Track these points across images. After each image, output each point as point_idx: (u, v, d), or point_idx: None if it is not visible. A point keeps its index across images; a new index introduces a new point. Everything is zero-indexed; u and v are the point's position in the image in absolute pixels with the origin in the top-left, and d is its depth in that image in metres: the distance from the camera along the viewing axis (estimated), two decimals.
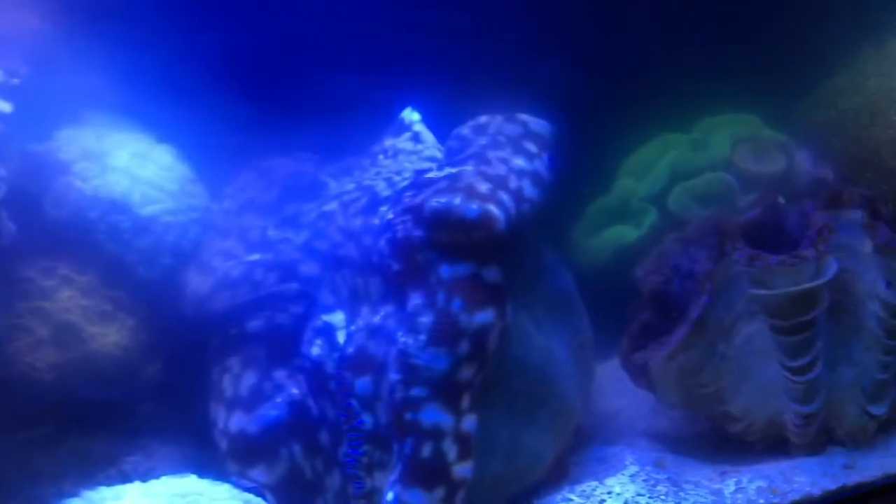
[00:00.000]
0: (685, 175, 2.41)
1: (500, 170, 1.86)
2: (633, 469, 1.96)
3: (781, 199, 2.34)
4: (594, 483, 1.90)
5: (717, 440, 2.15)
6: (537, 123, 2.01)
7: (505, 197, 1.80)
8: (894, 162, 2.31)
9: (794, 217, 2.16)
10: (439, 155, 2.08)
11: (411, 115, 2.15)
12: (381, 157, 2.08)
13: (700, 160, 2.42)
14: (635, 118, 2.53)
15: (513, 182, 1.85)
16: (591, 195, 2.58)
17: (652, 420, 2.26)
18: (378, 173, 2.00)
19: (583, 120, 2.52)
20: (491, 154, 1.89)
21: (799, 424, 2.03)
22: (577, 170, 2.52)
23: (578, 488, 1.89)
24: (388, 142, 2.11)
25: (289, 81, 2.42)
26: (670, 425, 2.25)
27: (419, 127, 2.12)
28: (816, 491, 1.93)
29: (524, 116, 2.02)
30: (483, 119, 2.01)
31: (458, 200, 1.74)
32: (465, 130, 2.00)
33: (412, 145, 2.07)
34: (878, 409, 2.05)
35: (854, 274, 2.05)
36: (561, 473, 1.99)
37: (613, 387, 2.31)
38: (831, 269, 1.98)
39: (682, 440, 2.21)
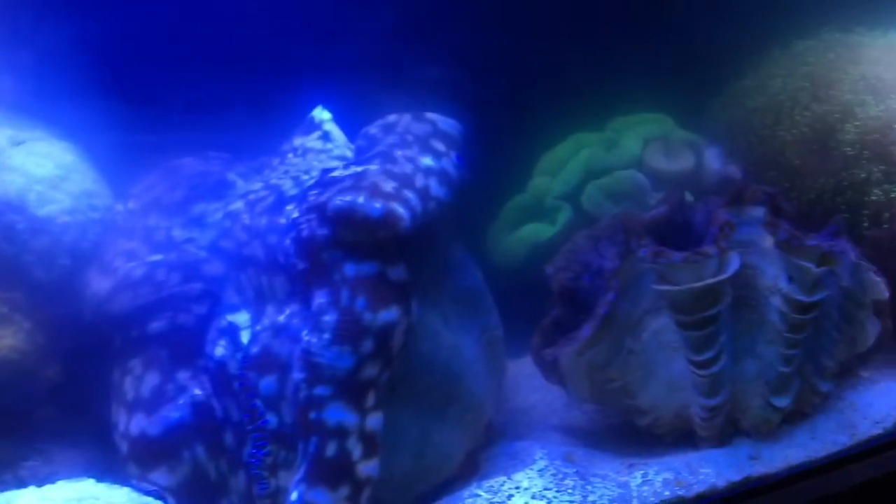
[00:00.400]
0: (598, 173, 2.43)
1: (407, 168, 1.85)
2: (541, 463, 1.97)
3: (689, 197, 2.38)
4: (502, 478, 1.90)
5: (628, 433, 2.17)
6: (446, 122, 2.01)
7: (410, 195, 1.80)
8: (798, 161, 2.37)
9: (700, 214, 2.19)
10: (349, 154, 2.06)
11: (321, 114, 2.13)
12: (290, 155, 2.06)
13: (612, 158, 2.44)
14: (551, 117, 2.54)
15: (419, 180, 1.85)
16: (507, 193, 2.59)
17: (565, 415, 2.27)
18: (286, 172, 1.98)
19: (499, 119, 2.54)
20: (398, 153, 1.88)
21: (705, 417, 2.06)
22: (493, 168, 2.54)
23: (486, 484, 1.89)
24: (298, 140, 2.09)
25: (201, 79, 2.39)
26: (583, 419, 2.26)
27: (329, 126, 2.11)
28: (721, 482, 1.96)
29: (433, 115, 2.01)
30: (392, 118, 2.00)
31: (361, 199, 1.73)
32: (373, 129, 1.99)
33: (322, 144, 2.06)
34: (782, 402, 2.09)
35: (757, 269, 2.09)
36: (472, 470, 1.99)
37: (528, 383, 2.32)
38: (733, 264, 2.01)
39: (593, 434, 2.22)
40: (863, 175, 2.34)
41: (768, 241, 2.05)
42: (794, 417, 2.16)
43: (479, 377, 1.99)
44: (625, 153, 2.45)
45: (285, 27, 2.47)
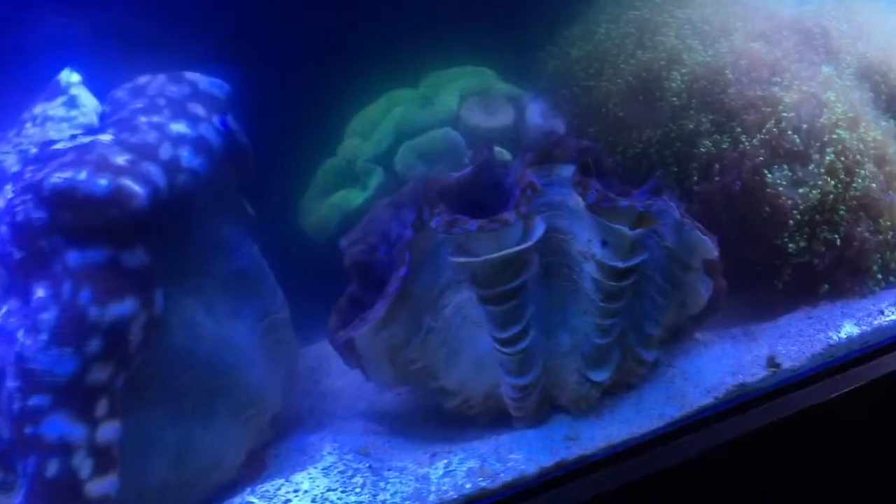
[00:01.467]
0: (411, 133, 2.20)
1: (150, 137, 1.60)
2: (329, 460, 1.75)
3: (507, 155, 2.18)
4: (280, 481, 1.68)
5: (441, 416, 1.97)
6: (210, 83, 1.76)
7: (152, 168, 1.55)
8: (623, 112, 2.18)
9: (511, 174, 1.99)
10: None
11: (69, 77, 1.84)
12: (28, 125, 1.78)
13: (426, 117, 2.21)
14: (364, 73, 2.30)
15: (166, 151, 1.59)
16: (320, 157, 2.35)
17: (375, 398, 2.06)
18: (18, 146, 1.71)
19: (306, 76, 2.29)
20: (141, 119, 1.62)
21: (515, 397, 1.88)
22: (304, 130, 2.30)
23: (261, 489, 1.67)
24: (39, 108, 1.80)
25: None
26: (393, 402, 2.06)
27: (77, 90, 1.82)
28: (531, 469, 1.77)
29: (193, 75, 1.76)
30: (143, 79, 1.73)
31: (83, 175, 1.47)
32: (120, 93, 1.71)
33: (65, 111, 1.77)
34: (599, 375, 1.92)
35: (569, 234, 1.90)
36: (256, 469, 1.78)
37: (338, 365, 2.09)
38: (538, 231, 1.82)
39: (402, 418, 2.03)
40: (690, 126, 2.15)
41: (581, 203, 1.87)
42: (619, 389, 2.00)
43: (259, 367, 1.77)
44: (440, 110, 2.22)
45: None
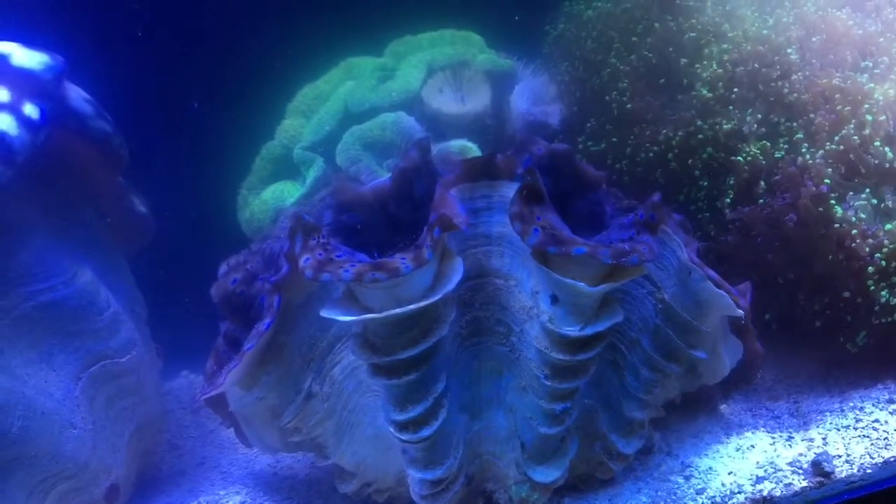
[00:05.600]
0: (360, 116, 1.64)
1: None
2: None
3: (474, 151, 1.59)
4: None
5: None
6: (28, 56, 1.30)
7: None
8: (633, 103, 1.53)
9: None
10: None
11: None
12: None
13: (379, 96, 1.64)
14: (319, 33, 1.76)
15: None
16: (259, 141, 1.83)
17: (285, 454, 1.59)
18: None
19: (241, 35, 1.79)
20: None
21: (425, 494, 1.35)
22: (243, 103, 1.81)
23: None
24: None
25: None
26: (304, 461, 1.58)
27: None
28: None
29: (7, 45, 1.30)
30: None
31: None
32: None
33: None
34: (544, 475, 1.37)
35: (510, 279, 1.35)
36: None
37: None
38: (453, 278, 1.27)
39: (308, 486, 1.54)
40: (728, 125, 1.50)
41: None
42: (588, 484, 1.44)
43: (79, 430, 1.33)
44: (396, 88, 1.64)
45: None
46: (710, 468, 1.44)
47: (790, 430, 1.50)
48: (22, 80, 1.28)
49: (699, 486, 1.40)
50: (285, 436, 1.44)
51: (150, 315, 1.60)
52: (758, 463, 1.43)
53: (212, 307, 1.45)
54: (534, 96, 1.64)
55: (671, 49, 1.51)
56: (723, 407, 1.60)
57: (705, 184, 1.52)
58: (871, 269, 1.46)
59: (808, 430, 1.49)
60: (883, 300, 1.45)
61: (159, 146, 1.74)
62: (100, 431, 1.36)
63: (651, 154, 1.52)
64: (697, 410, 1.58)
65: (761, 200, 1.50)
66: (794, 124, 1.48)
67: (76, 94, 1.42)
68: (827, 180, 1.44)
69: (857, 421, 1.48)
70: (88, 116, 1.40)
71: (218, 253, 1.50)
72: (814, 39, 1.49)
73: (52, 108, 1.31)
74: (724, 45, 1.47)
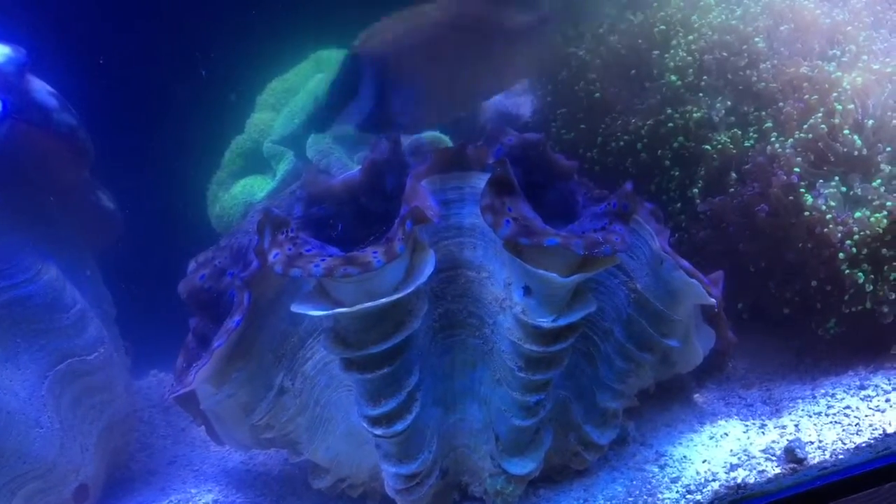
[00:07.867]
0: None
1: None
2: None
3: (445, 142, 1.57)
4: None
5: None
6: None
7: None
8: (605, 92, 1.51)
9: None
10: None
11: None
12: None
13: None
14: (290, 25, 1.72)
15: None
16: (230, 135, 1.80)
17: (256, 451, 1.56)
18: None
19: (215, 27, 1.75)
20: None
21: (400, 489, 1.33)
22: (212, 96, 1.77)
23: None
24: None
25: None
26: (276, 458, 1.55)
27: None
28: None
29: None
30: None
31: None
32: None
33: None
34: (519, 467, 1.34)
35: (482, 271, 1.32)
36: None
37: None
38: (425, 271, 1.24)
39: (282, 483, 1.51)
40: (697, 114, 1.48)
41: None
42: (563, 475, 1.43)
43: (46, 429, 1.29)
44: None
45: None
46: (684, 457, 1.42)
47: (763, 417, 1.49)
48: None
49: (674, 475, 1.38)
50: (257, 433, 1.40)
51: (118, 313, 1.56)
52: (731, 451, 1.41)
53: (181, 304, 1.43)
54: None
55: (640, 41, 1.49)
56: (696, 396, 1.59)
57: (676, 173, 1.50)
58: (842, 255, 1.46)
59: (780, 417, 1.47)
60: (860, 282, 1.44)
61: (127, 141, 1.70)
62: (67, 430, 1.32)
63: (622, 143, 1.50)
64: (671, 399, 1.56)
65: (732, 189, 1.49)
66: (764, 113, 1.46)
67: (40, 87, 1.38)
68: (797, 169, 1.43)
69: (829, 407, 1.46)
70: (53, 109, 1.35)
71: (188, 250, 1.47)
72: (782, 28, 1.47)
73: (15, 100, 1.27)
74: (690, 37, 1.45)
